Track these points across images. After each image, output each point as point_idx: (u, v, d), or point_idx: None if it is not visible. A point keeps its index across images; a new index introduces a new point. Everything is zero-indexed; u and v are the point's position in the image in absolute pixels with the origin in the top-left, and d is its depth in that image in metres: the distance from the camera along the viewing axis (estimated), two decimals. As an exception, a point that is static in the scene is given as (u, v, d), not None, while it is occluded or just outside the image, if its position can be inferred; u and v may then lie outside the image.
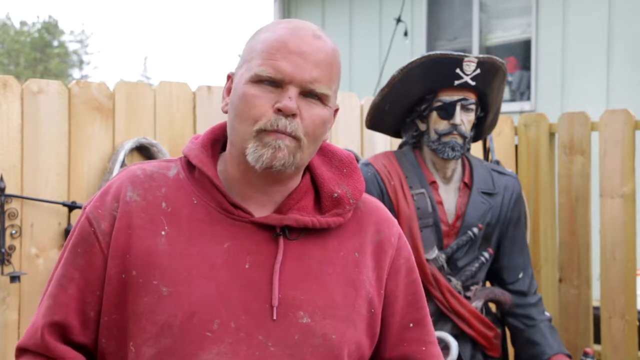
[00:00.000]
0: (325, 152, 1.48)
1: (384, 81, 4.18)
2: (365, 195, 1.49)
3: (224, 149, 1.45)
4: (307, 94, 1.34)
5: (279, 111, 1.31)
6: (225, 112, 1.40)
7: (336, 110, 1.43)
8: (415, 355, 1.48)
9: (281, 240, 1.37)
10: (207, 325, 1.31)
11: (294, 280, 1.35)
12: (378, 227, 1.46)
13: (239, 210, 1.37)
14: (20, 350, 1.40)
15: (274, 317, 1.33)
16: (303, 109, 1.33)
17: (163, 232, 1.35)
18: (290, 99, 1.31)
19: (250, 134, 1.33)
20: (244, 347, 1.31)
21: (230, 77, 1.42)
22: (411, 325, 1.48)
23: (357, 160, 3.27)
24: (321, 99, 1.35)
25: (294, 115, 1.32)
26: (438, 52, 2.61)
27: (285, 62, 1.32)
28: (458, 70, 2.57)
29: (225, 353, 1.31)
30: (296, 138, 1.33)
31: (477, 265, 2.68)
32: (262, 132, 1.32)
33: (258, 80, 1.33)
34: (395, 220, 1.52)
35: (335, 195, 1.41)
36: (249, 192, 1.39)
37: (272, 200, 1.40)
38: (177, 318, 1.31)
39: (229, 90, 1.41)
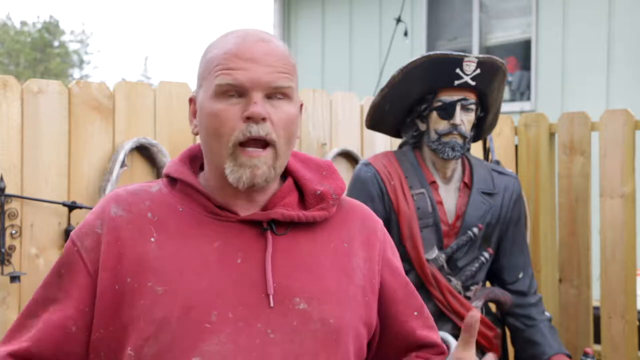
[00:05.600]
0: (303, 160, 1.51)
1: (384, 81, 4.18)
2: (347, 197, 1.54)
3: (202, 168, 1.47)
4: (272, 95, 1.35)
5: (248, 119, 1.33)
6: (196, 134, 1.42)
7: (301, 105, 1.44)
8: (426, 340, 1.53)
9: (269, 235, 1.39)
10: (205, 318, 1.32)
11: (286, 270, 1.38)
12: (364, 221, 1.50)
13: (225, 211, 1.40)
14: None
15: (271, 305, 1.34)
16: (271, 112, 1.35)
17: (152, 239, 1.37)
18: (256, 104, 1.33)
19: (226, 152, 1.35)
20: (243, 336, 1.33)
21: (192, 100, 1.44)
22: (416, 313, 1.53)
23: (357, 161, 3.29)
24: (287, 94, 1.37)
25: (264, 119, 1.33)
26: (438, 52, 2.61)
27: (241, 70, 1.33)
28: (458, 70, 2.57)
29: (225, 343, 1.32)
30: (271, 143, 1.35)
31: (477, 265, 2.68)
32: (237, 149, 1.34)
33: (221, 93, 1.34)
34: (379, 218, 1.56)
35: (318, 192, 1.44)
36: (232, 201, 1.41)
37: (257, 205, 1.42)
38: (174, 313, 1.32)
39: (194, 113, 1.43)
